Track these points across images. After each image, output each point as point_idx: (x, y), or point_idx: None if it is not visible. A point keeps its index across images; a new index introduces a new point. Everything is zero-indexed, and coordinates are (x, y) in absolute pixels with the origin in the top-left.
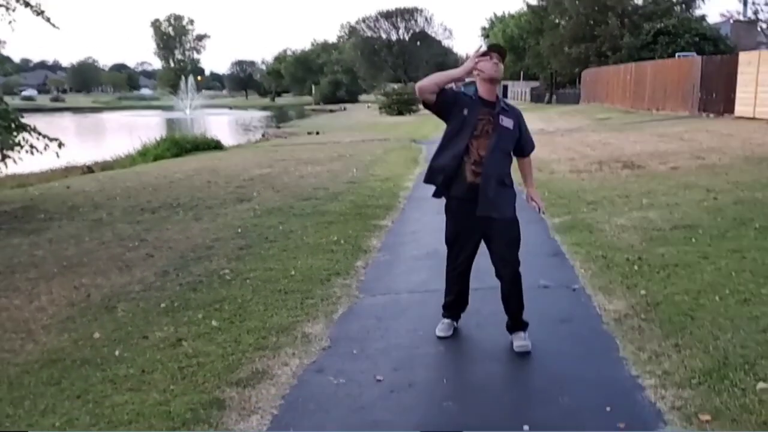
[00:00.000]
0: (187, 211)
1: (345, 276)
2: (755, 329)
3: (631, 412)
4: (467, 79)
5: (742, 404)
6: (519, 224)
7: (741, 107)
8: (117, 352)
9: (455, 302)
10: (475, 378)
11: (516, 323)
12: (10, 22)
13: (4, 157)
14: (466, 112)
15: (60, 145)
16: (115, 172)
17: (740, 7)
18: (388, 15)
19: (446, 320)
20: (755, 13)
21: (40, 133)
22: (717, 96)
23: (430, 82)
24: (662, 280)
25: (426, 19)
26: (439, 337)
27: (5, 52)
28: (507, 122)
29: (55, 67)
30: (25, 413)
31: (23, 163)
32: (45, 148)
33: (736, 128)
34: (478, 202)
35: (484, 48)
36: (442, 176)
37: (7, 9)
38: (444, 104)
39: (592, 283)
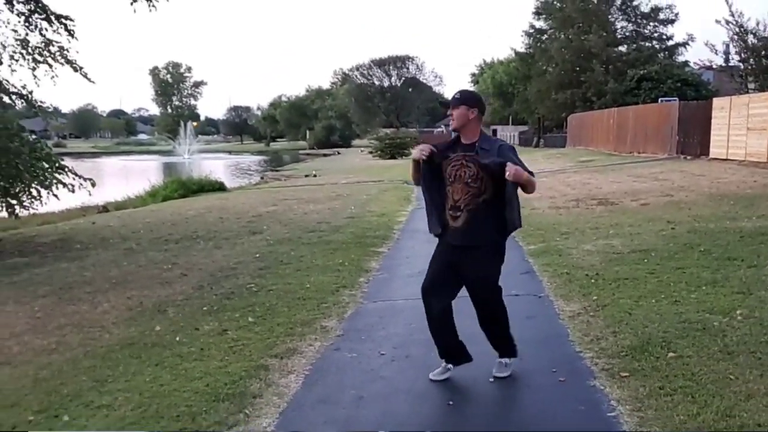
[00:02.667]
0: (207, 242)
1: (351, 288)
2: (677, 321)
3: (571, 372)
4: (442, 126)
5: (654, 366)
6: (494, 263)
7: (715, 149)
8: (177, 338)
9: (446, 351)
10: None
11: (504, 350)
12: (52, 78)
13: (41, 194)
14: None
15: (93, 184)
16: (131, 210)
17: (713, 55)
18: (381, 63)
19: (442, 364)
20: (726, 61)
21: (76, 174)
22: (694, 139)
23: (411, 170)
24: (612, 290)
25: (417, 66)
26: (432, 380)
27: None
28: (487, 158)
29: (55, 113)
30: (120, 374)
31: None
32: (80, 187)
33: (708, 169)
34: (454, 243)
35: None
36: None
37: (51, 66)
38: (425, 179)
39: (555, 293)
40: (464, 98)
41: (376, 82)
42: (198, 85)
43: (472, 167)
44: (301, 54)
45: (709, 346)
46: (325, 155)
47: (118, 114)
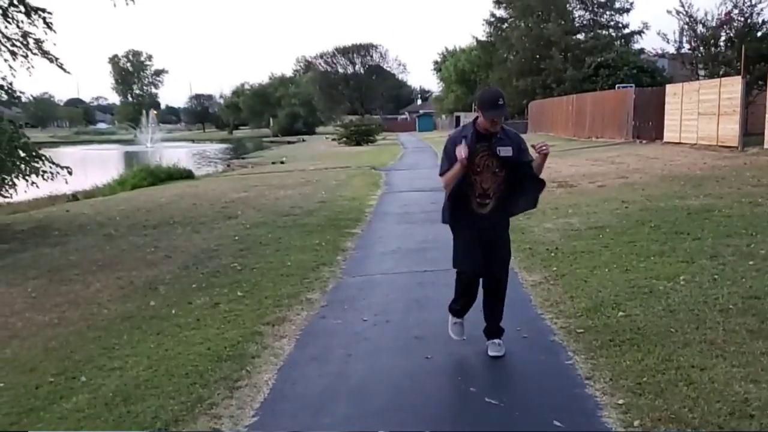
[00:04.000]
0: (184, 227)
1: (330, 266)
2: (627, 286)
3: (533, 330)
4: (421, 112)
5: (605, 324)
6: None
7: (669, 133)
8: (173, 311)
9: (464, 309)
10: (432, 317)
11: (494, 329)
12: (28, 68)
13: (15, 183)
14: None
15: (70, 172)
16: (102, 199)
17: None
18: (344, 51)
19: (458, 320)
20: (677, 49)
21: (53, 162)
22: (649, 124)
23: (449, 183)
24: (570, 262)
25: (381, 54)
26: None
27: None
28: (506, 151)
29: (9, 102)
30: (125, 342)
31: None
32: (56, 175)
33: (662, 152)
34: (482, 228)
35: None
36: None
37: (26, 57)
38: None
39: (519, 265)
40: (504, 101)
41: (341, 70)
42: (159, 73)
43: (494, 157)
44: (263, 41)
45: (654, 306)
46: (289, 143)
47: (75, 103)
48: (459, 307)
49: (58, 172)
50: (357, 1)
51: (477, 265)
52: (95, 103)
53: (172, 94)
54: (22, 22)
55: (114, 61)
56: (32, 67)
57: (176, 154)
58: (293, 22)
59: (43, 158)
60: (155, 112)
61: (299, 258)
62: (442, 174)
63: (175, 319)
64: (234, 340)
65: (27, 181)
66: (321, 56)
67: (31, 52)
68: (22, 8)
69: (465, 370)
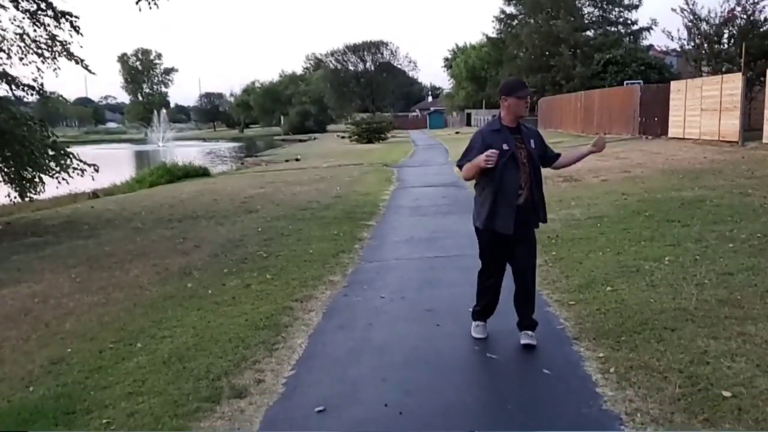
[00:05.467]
0: (208, 220)
1: (349, 252)
2: (617, 267)
3: None
4: (432, 109)
5: (594, 297)
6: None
7: (673, 129)
8: (210, 291)
9: (485, 310)
10: (442, 294)
11: (527, 322)
12: (54, 70)
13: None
14: (506, 147)
15: (96, 170)
16: (124, 195)
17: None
18: (355, 48)
19: (481, 323)
20: (681, 47)
21: (80, 160)
22: (655, 120)
23: (470, 174)
24: (568, 247)
25: (392, 51)
26: (476, 338)
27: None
28: (532, 142)
29: (18, 102)
30: (171, 316)
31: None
32: (83, 172)
33: (665, 147)
34: (517, 221)
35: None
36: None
37: (54, 59)
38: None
39: None
40: (499, 90)
41: (351, 68)
42: (168, 72)
43: (524, 150)
44: (272, 39)
45: (638, 282)
46: (300, 140)
47: (84, 102)
48: (479, 308)
49: (84, 170)
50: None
51: (499, 273)
52: (104, 102)
53: (182, 93)
54: (49, 25)
55: (123, 59)
56: (58, 68)
57: (189, 152)
58: (303, 20)
59: (71, 156)
60: (165, 110)
61: (320, 246)
62: (460, 166)
63: (212, 297)
64: (268, 313)
65: (56, 179)
66: (332, 54)
67: (59, 54)
68: (50, 12)
69: (470, 335)
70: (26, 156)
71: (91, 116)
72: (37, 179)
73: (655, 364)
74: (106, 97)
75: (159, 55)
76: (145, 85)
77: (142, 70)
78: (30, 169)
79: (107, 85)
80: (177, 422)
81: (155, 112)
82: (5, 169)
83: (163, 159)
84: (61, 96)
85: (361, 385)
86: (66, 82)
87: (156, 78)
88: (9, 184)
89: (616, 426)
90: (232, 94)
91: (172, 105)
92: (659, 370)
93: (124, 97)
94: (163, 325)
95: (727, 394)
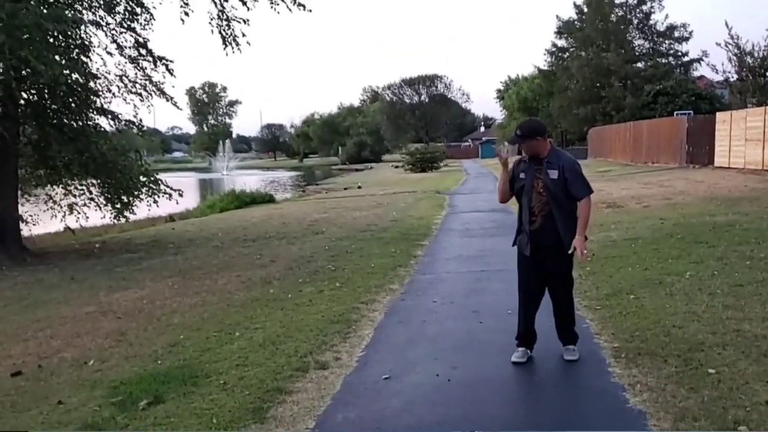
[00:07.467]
0: (280, 240)
1: (405, 267)
2: (643, 279)
3: None
4: (484, 138)
5: (618, 303)
6: (570, 254)
7: (719, 159)
8: (289, 296)
9: (525, 336)
10: (486, 300)
11: (564, 335)
12: (148, 107)
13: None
14: (522, 176)
15: (181, 195)
16: (198, 219)
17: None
18: (411, 82)
19: (521, 349)
20: (726, 79)
21: (168, 186)
22: (702, 150)
23: (499, 193)
24: (602, 264)
25: (446, 84)
26: (514, 363)
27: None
28: (552, 174)
29: (152, 134)
30: (259, 314)
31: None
32: (170, 197)
33: (710, 176)
34: (534, 244)
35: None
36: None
37: (150, 98)
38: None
39: None
40: (528, 133)
41: (407, 100)
42: (233, 104)
43: (541, 180)
44: (331, 73)
45: (659, 292)
46: (357, 170)
47: (153, 133)
48: (520, 332)
49: (171, 194)
50: (423, 33)
51: (532, 300)
52: (170, 133)
53: (244, 124)
54: (146, 68)
55: (191, 92)
56: (152, 105)
57: (251, 180)
58: (361, 54)
59: (160, 182)
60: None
61: (380, 261)
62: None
63: (292, 300)
64: (340, 311)
65: (147, 203)
66: (388, 87)
67: (153, 94)
68: (149, 57)
69: (509, 329)
70: (125, 182)
71: (159, 146)
72: (131, 203)
73: (660, 351)
74: (172, 128)
75: (224, 88)
76: (210, 117)
77: (208, 102)
78: (126, 194)
79: (173, 116)
80: (278, 384)
81: (220, 142)
82: (106, 194)
83: (227, 187)
84: (154, 128)
85: (418, 362)
86: (135, 114)
87: (221, 110)
88: (108, 206)
89: (619, 393)
90: (292, 125)
91: (234, 135)
92: (661, 356)
93: (189, 128)
94: (254, 320)
95: (712, 371)
